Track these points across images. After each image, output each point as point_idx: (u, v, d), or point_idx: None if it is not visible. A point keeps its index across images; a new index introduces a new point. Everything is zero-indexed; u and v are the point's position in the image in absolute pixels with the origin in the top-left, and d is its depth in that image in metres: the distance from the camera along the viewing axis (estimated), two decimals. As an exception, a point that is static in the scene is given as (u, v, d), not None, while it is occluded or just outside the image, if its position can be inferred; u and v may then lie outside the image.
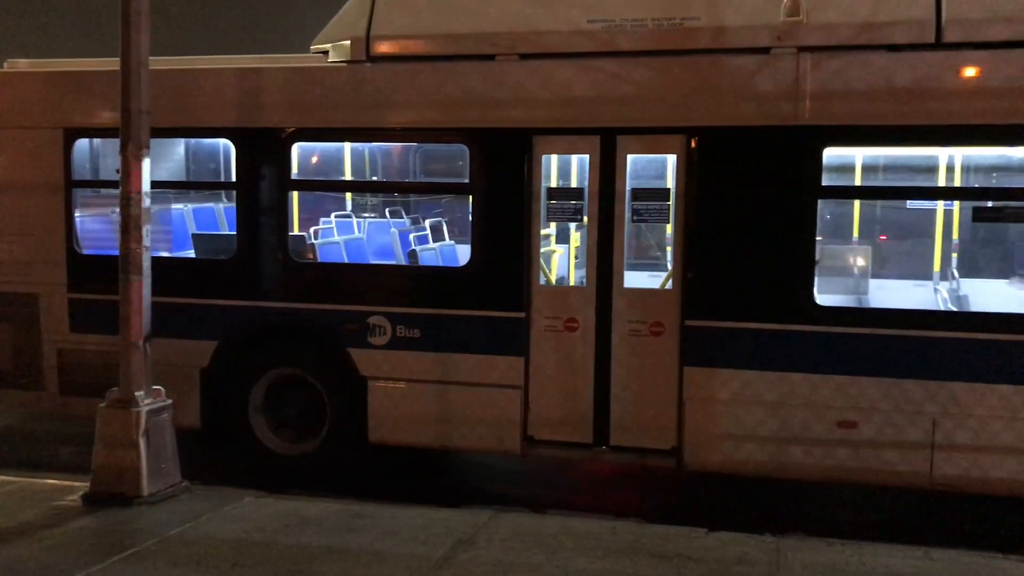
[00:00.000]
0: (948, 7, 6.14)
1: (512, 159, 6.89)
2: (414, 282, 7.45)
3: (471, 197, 7.08)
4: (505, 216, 6.94)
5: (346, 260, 8.40)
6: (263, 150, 7.39)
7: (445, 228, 9.56)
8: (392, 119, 7.14)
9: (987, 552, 5.72)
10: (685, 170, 6.62)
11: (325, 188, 9.10)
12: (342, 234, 9.16)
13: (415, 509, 6.37)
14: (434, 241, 9.25)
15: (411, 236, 9.06)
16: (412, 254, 8.32)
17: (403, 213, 10.08)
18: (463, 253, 7.59)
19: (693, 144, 6.57)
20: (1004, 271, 7.90)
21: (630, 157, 6.77)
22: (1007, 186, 7.04)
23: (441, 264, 8.50)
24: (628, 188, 6.79)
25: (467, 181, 7.07)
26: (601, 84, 6.69)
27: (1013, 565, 5.49)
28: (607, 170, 6.78)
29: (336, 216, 9.54)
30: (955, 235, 7.97)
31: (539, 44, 6.82)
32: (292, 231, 7.85)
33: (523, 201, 6.88)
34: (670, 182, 6.80)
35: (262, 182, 7.42)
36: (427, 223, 9.55)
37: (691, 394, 6.66)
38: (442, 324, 7.08)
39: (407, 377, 7.14)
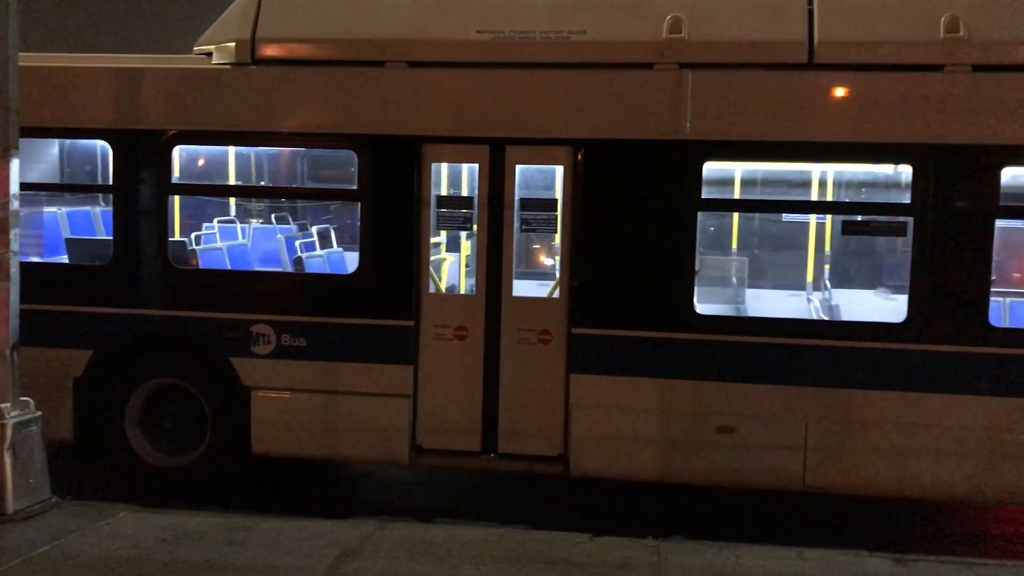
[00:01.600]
0: (820, 30, 6.43)
1: (401, 166, 6.86)
2: (300, 290, 7.33)
3: (359, 204, 7.02)
4: (394, 224, 6.91)
5: (229, 267, 8.19)
6: (142, 153, 7.15)
7: (333, 235, 9.44)
8: (278, 124, 7.02)
9: (855, 550, 5.99)
10: (572, 181, 6.73)
11: (207, 193, 8.84)
12: (225, 240, 8.94)
13: (299, 521, 6.26)
14: (322, 248, 9.13)
15: (298, 243, 8.91)
16: (298, 261, 8.17)
17: (290, 219, 9.90)
18: (351, 260, 7.51)
19: (580, 156, 6.68)
20: (872, 282, 8.31)
21: (519, 167, 6.84)
22: (874, 201, 7.44)
23: (329, 271, 8.38)
24: (517, 198, 6.86)
25: (355, 188, 7.00)
26: (490, 94, 6.75)
27: (878, 562, 5.78)
28: (496, 180, 6.83)
29: (219, 221, 9.29)
30: (827, 247, 8.35)
31: (429, 52, 6.82)
32: (172, 236, 7.61)
33: (412, 209, 6.87)
34: (558, 192, 6.90)
35: (141, 185, 7.17)
36: (314, 230, 9.41)
37: (577, 401, 6.76)
38: (329, 333, 6.98)
39: (292, 387, 7.01)
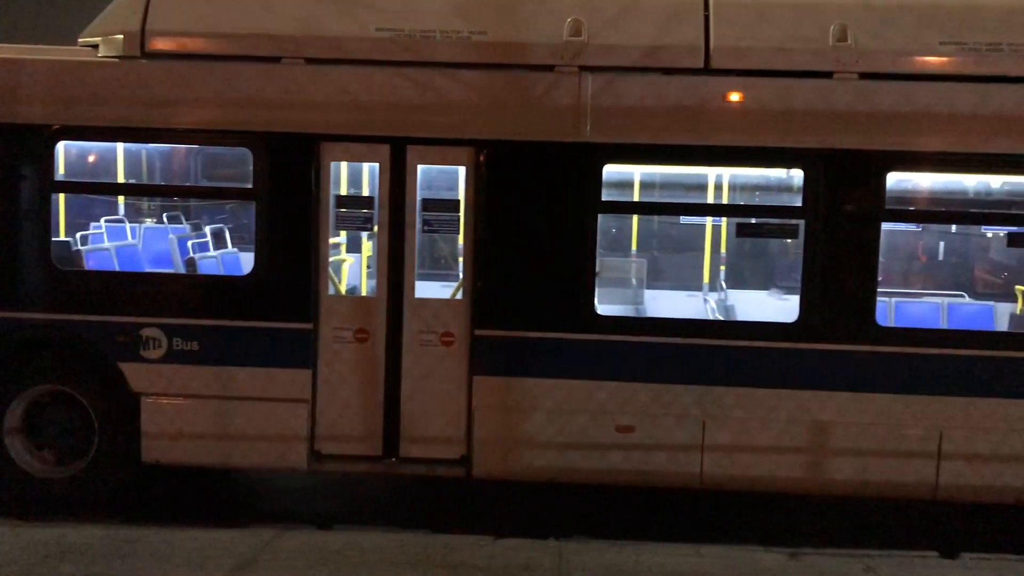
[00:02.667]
0: (716, 35, 6.57)
1: (298, 165, 6.70)
2: (193, 291, 7.08)
3: (255, 203, 6.83)
4: (291, 224, 6.74)
5: (117, 268, 7.87)
6: (23, 148, 6.79)
7: (228, 235, 9.17)
8: (169, 119, 6.76)
9: (751, 546, 6.14)
10: (475, 182, 6.70)
11: (93, 191, 8.43)
12: (113, 240, 8.58)
13: (192, 531, 6.06)
14: (216, 248, 8.85)
15: (190, 243, 8.62)
16: (191, 262, 7.91)
17: (183, 219, 9.58)
18: (247, 261, 7.30)
19: (482, 157, 6.65)
20: (766, 283, 8.54)
21: (420, 167, 6.77)
22: (768, 204, 7.64)
23: (223, 273, 8.13)
24: (419, 198, 6.78)
25: (250, 187, 6.81)
26: (391, 93, 6.65)
27: (772, 556, 5.94)
28: (397, 179, 6.74)
29: (107, 221, 8.92)
30: (723, 249, 8.54)
31: (326, 49, 6.68)
32: (56, 236, 7.25)
33: (310, 208, 6.72)
34: (460, 193, 6.85)
35: (22, 183, 6.81)
36: (208, 230, 9.12)
37: (480, 403, 6.73)
38: (224, 336, 6.77)
39: (184, 392, 6.77)
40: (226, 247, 9.02)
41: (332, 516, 6.86)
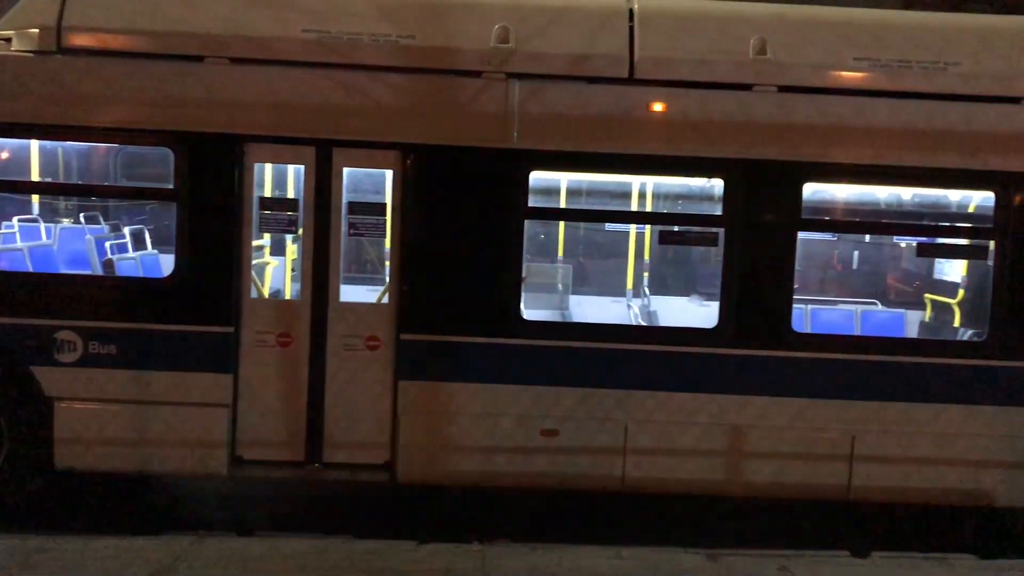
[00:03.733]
0: (640, 46, 6.69)
1: (222, 166, 6.60)
2: (111, 294, 6.89)
3: (176, 204, 6.69)
4: (213, 225, 6.63)
5: (31, 269, 7.62)
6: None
7: (147, 236, 8.96)
8: (86, 117, 6.59)
9: (671, 548, 6.24)
10: (402, 185, 6.68)
11: (6, 188, 8.14)
12: (27, 240, 8.31)
13: (107, 540, 5.90)
14: (135, 250, 8.64)
15: (108, 244, 8.40)
16: (108, 263, 7.71)
17: (101, 219, 9.32)
18: (167, 263, 7.15)
19: (409, 160, 6.65)
20: (687, 289, 8.70)
21: (346, 170, 6.72)
22: (689, 212, 7.79)
23: (142, 275, 7.95)
24: (344, 201, 6.74)
25: (171, 187, 6.67)
26: (317, 95, 6.60)
27: (691, 557, 6.05)
28: (323, 182, 6.69)
29: (20, 220, 8.64)
30: (647, 255, 8.68)
31: (251, 49, 6.59)
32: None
33: (233, 210, 6.62)
34: (387, 197, 6.83)
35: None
36: (127, 230, 8.90)
37: (405, 408, 6.71)
38: (142, 339, 6.61)
39: (100, 397, 6.59)
40: (146, 248, 8.81)
41: (253, 523, 6.75)
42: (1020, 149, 6.67)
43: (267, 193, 7.18)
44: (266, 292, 7.46)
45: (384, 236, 6.84)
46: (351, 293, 7.04)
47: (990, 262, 6.80)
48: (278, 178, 7.80)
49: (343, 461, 6.79)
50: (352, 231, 6.81)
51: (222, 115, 6.57)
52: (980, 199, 7.24)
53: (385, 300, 6.81)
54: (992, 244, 6.78)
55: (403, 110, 6.65)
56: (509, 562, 5.80)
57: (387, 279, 6.87)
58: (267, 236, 7.73)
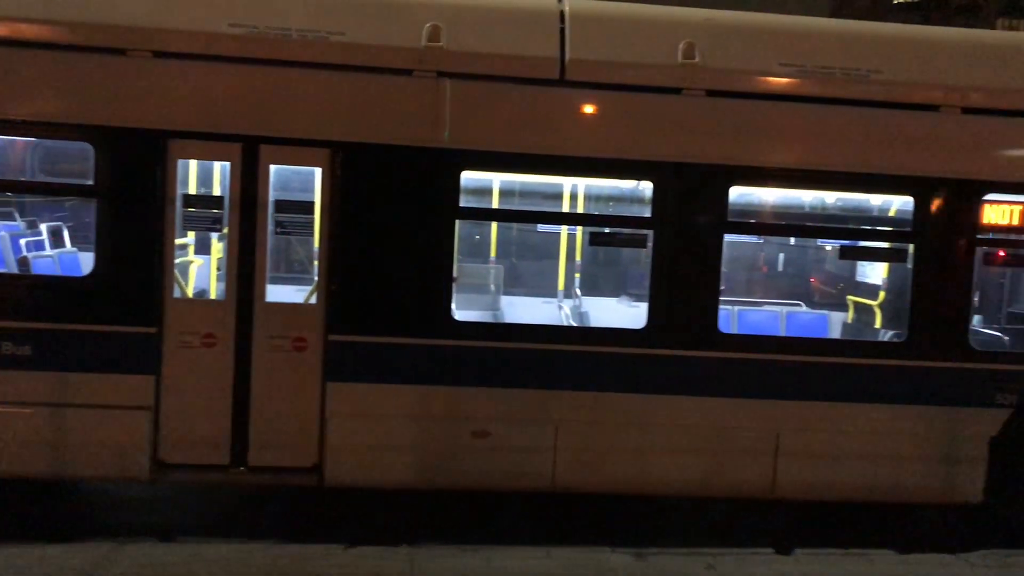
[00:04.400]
0: (571, 48, 6.71)
1: (144, 162, 6.43)
2: (26, 293, 6.64)
3: (96, 201, 6.50)
4: (135, 223, 6.46)
5: (-62, 266, 7.33)
6: None
7: (66, 233, 8.68)
8: (2, 110, 6.35)
9: (599, 547, 6.28)
10: (331, 184, 6.59)
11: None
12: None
13: (22, 547, 5.73)
14: (53, 247, 8.36)
15: (24, 241, 8.11)
16: (24, 261, 7.44)
17: (16, 215, 8.99)
18: (87, 261, 6.94)
19: (339, 159, 6.56)
20: (617, 290, 8.77)
21: (273, 167, 6.61)
22: (619, 214, 7.85)
23: (60, 273, 7.70)
24: (271, 199, 6.62)
25: (91, 183, 6.47)
26: (244, 90, 6.48)
27: (619, 557, 6.10)
28: (249, 179, 6.56)
29: (-73, 217, 8.31)
30: (579, 257, 8.72)
31: (176, 43, 6.42)
32: None
33: (156, 207, 6.44)
34: (316, 195, 6.73)
35: None
36: (44, 227, 8.61)
37: (334, 409, 6.62)
38: (59, 340, 6.40)
39: (15, 400, 6.36)
40: (64, 246, 8.53)
41: (175, 528, 6.60)
42: (938, 155, 6.88)
43: (191, 190, 7.01)
44: (190, 292, 7.30)
45: (312, 235, 6.74)
46: (278, 293, 6.92)
47: (909, 265, 7.00)
48: (203, 175, 7.62)
49: (270, 464, 6.67)
50: (279, 230, 6.69)
51: (145, 110, 6.40)
52: (900, 203, 7.44)
53: (313, 300, 6.71)
54: (911, 247, 6.97)
55: (332, 107, 6.56)
56: (437, 564, 5.77)
57: (315, 279, 6.77)
58: (192, 234, 7.55)
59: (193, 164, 7.05)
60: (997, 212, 6.99)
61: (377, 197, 6.64)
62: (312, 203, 6.70)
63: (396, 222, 6.64)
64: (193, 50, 6.45)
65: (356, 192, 6.60)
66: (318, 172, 6.66)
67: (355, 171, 6.59)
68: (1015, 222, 7.05)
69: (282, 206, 6.68)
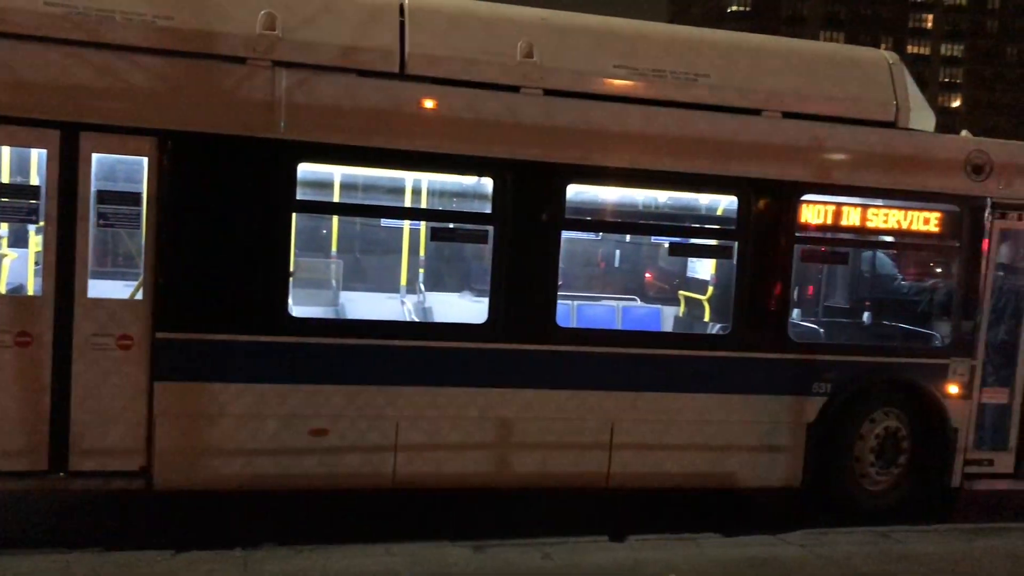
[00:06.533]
0: (411, 42, 6.68)
1: (-51, 148, 5.97)
2: None
3: None
4: (-61, 214, 5.99)
5: None
6: None
7: None
8: None
9: (439, 542, 6.28)
10: (159, 174, 6.30)
11: None
12: None
13: None
14: None
15: None
16: None
17: None
18: None
19: (168, 148, 6.28)
20: (460, 286, 8.80)
21: (96, 156, 6.26)
22: (460, 210, 7.88)
23: None
24: (94, 189, 6.27)
25: None
26: (62, 74, 6.09)
27: (459, 551, 6.12)
28: (69, 168, 6.18)
29: None
30: (422, 252, 8.68)
31: (-18, 20, 5.99)
32: None
33: (-37, 198, 6.00)
34: (144, 186, 6.42)
35: None
36: None
37: (162, 410, 6.35)
38: None
39: None
40: None
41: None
42: (760, 157, 7.26)
43: (4, 179, 6.55)
44: (2, 287, 6.80)
45: (138, 227, 6.42)
46: (101, 288, 6.55)
47: (734, 261, 7.35)
48: (18, 163, 7.13)
49: (93, 469, 6.32)
50: (102, 222, 6.35)
51: (-50, 92, 5.93)
52: (726, 203, 7.82)
53: (139, 296, 6.40)
54: (736, 245, 7.33)
55: (160, 95, 6.27)
56: (273, 566, 5.62)
57: (141, 273, 6.45)
58: (5, 226, 7.04)
59: (6, 151, 6.59)
60: (813, 212, 7.46)
61: (209, 189, 6.40)
62: (139, 194, 6.38)
63: (229, 215, 6.43)
64: (4, 29, 6.03)
65: (187, 183, 6.35)
66: (145, 161, 6.35)
67: (186, 161, 6.33)
68: (829, 221, 7.55)
69: (106, 197, 6.34)
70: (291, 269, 6.59)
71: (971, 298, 7.79)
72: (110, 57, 6.16)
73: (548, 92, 6.84)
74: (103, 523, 6.78)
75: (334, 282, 8.03)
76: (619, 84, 7.03)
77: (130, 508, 7.03)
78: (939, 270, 8.54)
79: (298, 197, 6.54)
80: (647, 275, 9.64)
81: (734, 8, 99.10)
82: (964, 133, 8.31)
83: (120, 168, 6.65)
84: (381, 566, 5.79)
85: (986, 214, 7.73)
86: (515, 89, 6.79)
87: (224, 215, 6.42)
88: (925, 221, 7.73)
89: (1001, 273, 8.04)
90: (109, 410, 6.30)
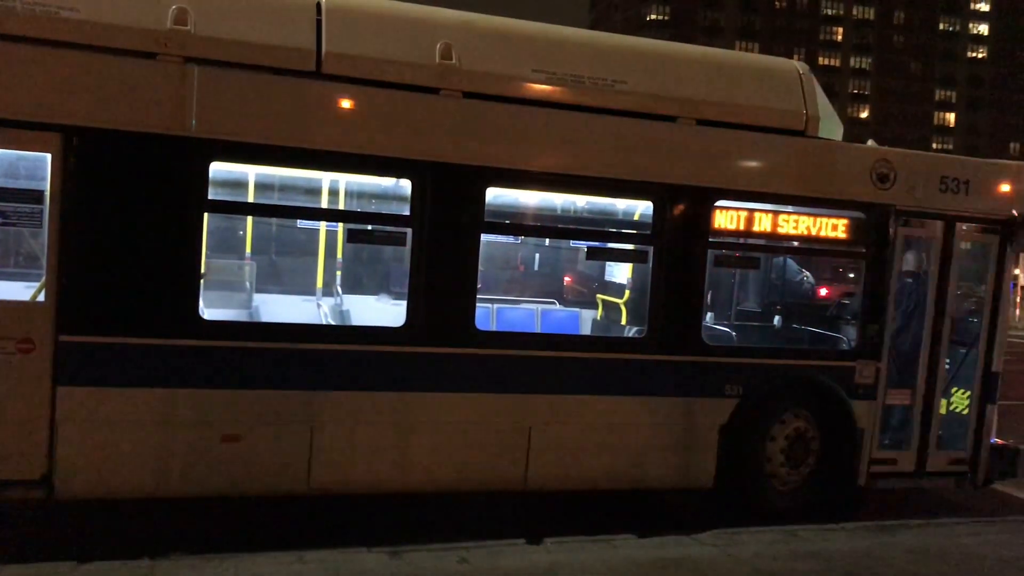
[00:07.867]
0: (328, 41, 6.58)
1: None
2: None
3: None
4: None
5: None
6: None
7: None
8: None
9: (355, 548, 6.20)
10: (63, 172, 6.06)
11: None
12: None
13: None
14: None
15: None
16: None
17: None
18: None
19: (73, 144, 6.05)
20: (378, 288, 8.72)
21: (-5, 152, 6.01)
22: (378, 211, 7.81)
23: None
24: (-9, 186, 6.02)
25: None
26: (-46, 65, 5.83)
27: (375, 557, 6.05)
28: (-37, 164, 5.93)
29: None
30: (339, 254, 8.57)
31: None
32: None
33: None
34: (47, 183, 6.17)
35: None
36: None
37: (66, 416, 6.11)
38: None
39: None
40: None
41: None
42: (674, 163, 7.38)
43: None
44: None
45: (40, 226, 6.17)
46: (1, 290, 6.29)
47: (650, 265, 7.45)
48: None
49: (-11, 477, 6.06)
50: (1, 220, 6.09)
51: None
52: (643, 208, 7.92)
53: (41, 298, 6.15)
54: (651, 249, 7.43)
55: (64, 89, 6.03)
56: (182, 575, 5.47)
57: (44, 274, 6.20)
58: None
59: None
60: (726, 217, 7.61)
61: (117, 187, 6.19)
62: (42, 192, 6.14)
63: (139, 215, 6.24)
64: None
65: (93, 181, 6.13)
66: (48, 158, 6.11)
67: (92, 159, 6.11)
68: (742, 227, 7.71)
69: (5, 194, 6.09)
70: (202, 271, 6.43)
71: (876, 303, 8.05)
72: (11, 48, 5.91)
73: (467, 95, 6.82)
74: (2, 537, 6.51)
75: (247, 284, 7.87)
76: (538, 88, 7.05)
77: (29, 519, 6.76)
78: (847, 275, 8.82)
79: (210, 197, 6.37)
80: (566, 279, 9.71)
81: (653, 16, 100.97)
82: (870, 143, 8.59)
83: (22, 165, 6.39)
84: (294, 573, 5.69)
85: (891, 221, 7.99)
86: (434, 91, 6.75)
87: (133, 215, 6.22)
88: (833, 228, 7.95)
89: (906, 279, 8.35)
90: (7, 416, 6.03)
